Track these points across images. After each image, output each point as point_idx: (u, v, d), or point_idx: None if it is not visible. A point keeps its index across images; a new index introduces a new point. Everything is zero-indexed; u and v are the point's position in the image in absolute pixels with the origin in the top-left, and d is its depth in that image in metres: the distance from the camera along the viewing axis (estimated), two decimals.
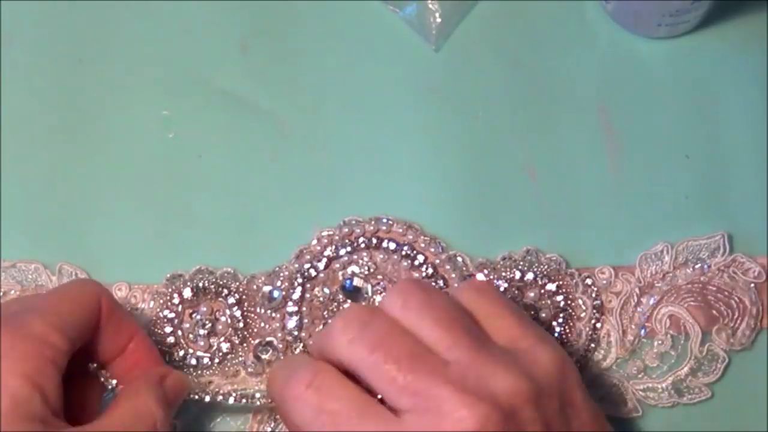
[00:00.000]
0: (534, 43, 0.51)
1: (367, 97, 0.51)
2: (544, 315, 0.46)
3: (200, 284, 0.46)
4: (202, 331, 0.46)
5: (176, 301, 0.46)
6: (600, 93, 0.51)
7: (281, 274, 0.47)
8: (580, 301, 0.47)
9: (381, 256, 0.47)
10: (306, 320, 0.46)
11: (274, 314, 0.46)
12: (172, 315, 0.46)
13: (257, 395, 0.44)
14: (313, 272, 0.47)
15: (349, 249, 0.47)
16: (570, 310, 0.46)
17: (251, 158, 0.49)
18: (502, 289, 0.46)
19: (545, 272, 0.47)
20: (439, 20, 0.51)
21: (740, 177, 0.49)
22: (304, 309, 0.46)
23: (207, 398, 0.44)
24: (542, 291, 0.47)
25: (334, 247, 0.47)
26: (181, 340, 0.46)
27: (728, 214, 0.49)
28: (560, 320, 0.46)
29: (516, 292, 0.46)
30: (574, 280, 0.47)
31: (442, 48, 0.51)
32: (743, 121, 0.50)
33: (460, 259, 0.47)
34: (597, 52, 0.51)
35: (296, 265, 0.47)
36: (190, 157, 0.49)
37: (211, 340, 0.46)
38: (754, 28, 0.52)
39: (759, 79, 0.51)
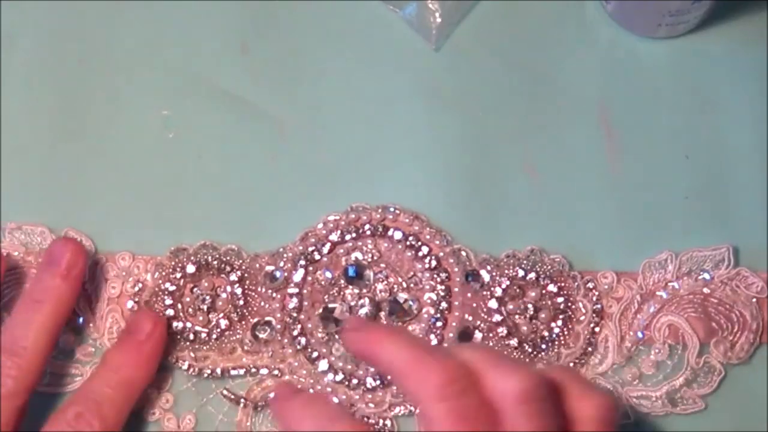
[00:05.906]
0: (534, 43, 0.51)
1: (367, 97, 0.50)
2: (543, 316, 0.46)
3: (204, 259, 0.46)
4: (202, 306, 0.46)
5: (178, 274, 0.46)
6: (600, 93, 0.51)
7: (285, 255, 0.47)
8: (581, 304, 0.47)
9: (385, 244, 0.47)
10: (306, 302, 0.46)
11: (274, 294, 0.46)
12: (173, 288, 0.46)
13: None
14: (316, 255, 0.47)
15: (354, 235, 0.47)
16: (570, 313, 0.46)
17: (251, 158, 0.49)
18: (503, 286, 0.46)
19: (548, 273, 0.47)
20: (439, 20, 0.51)
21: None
22: (305, 291, 0.46)
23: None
24: (543, 291, 0.47)
25: (339, 232, 0.47)
26: (181, 314, 0.46)
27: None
28: (559, 322, 0.46)
29: (517, 290, 0.46)
30: (576, 283, 0.47)
31: (442, 48, 0.51)
32: (743, 121, 0.50)
33: (464, 253, 0.47)
34: (597, 52, 0.51)
35: (300, 248, 0.47)
36: (190, 157, 0.49)
37: (210, 316, 0.46)
38: (754, 28, 0.52)
39: (759, 79, 0.51)
